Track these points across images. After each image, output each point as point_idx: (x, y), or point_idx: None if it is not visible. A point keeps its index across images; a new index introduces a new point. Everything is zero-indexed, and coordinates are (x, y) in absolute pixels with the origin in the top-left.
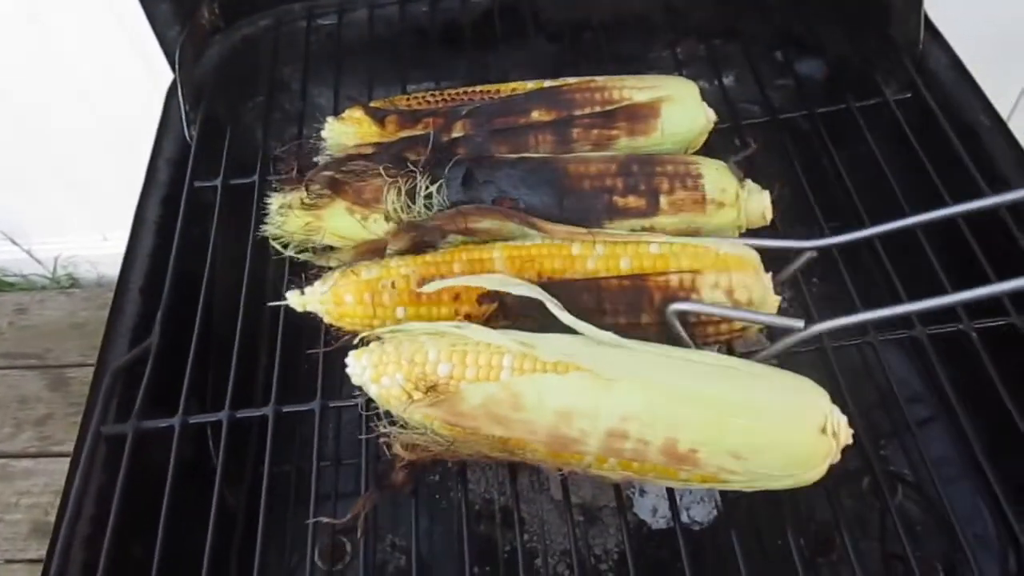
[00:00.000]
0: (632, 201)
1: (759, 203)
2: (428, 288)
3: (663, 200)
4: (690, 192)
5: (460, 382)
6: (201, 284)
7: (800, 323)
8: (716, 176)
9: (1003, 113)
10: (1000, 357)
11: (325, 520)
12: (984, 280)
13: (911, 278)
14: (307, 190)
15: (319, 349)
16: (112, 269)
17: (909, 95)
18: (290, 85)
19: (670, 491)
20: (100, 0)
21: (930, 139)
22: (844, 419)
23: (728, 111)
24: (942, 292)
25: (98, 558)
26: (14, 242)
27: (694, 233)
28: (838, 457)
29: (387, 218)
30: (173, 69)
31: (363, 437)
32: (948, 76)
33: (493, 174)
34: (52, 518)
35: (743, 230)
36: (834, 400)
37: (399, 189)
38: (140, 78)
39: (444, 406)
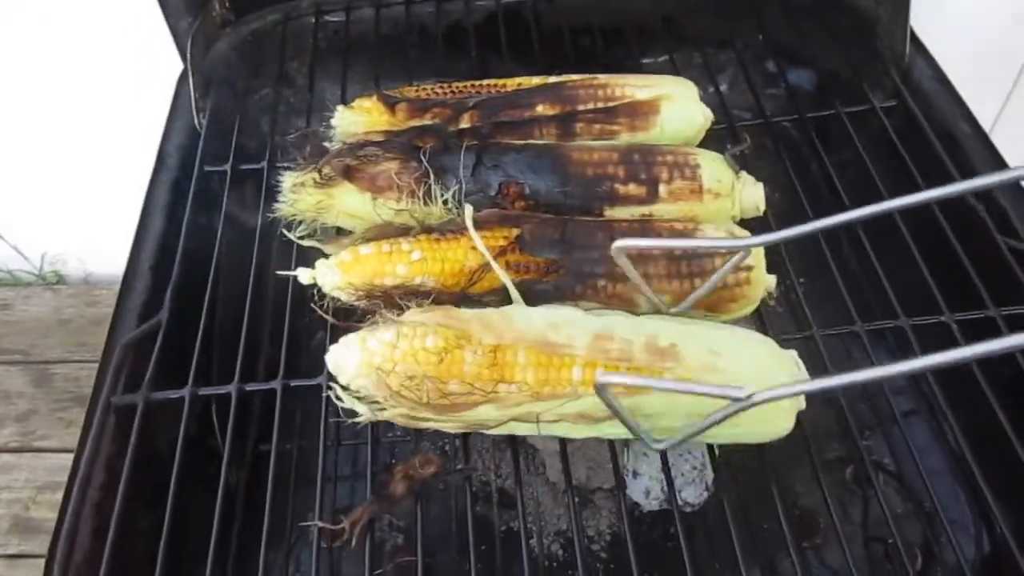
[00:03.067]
0: (633, 189)
1: (753, 194)
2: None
3: (662, 189)
4: (688, 182)
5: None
6: (210, 264)
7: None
8: (713, 167)
9: (987, 122)
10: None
11: (321, 525)
12: (960, 266)
13: (895, 273)
14: (320, 174)
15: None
16: (101, 267)
17: (895, 103)
18: (296, 80)
19: (666, 471)
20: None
21: (914, 144)
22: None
23: (723, 116)
24: (924, 284)
25: (108, 523)
26: (1, 237)
27: (691, 221)
28: (807, 376)
29: (398, 200)
30: (184, 59)
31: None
32: (931, 86)
33: (500, 159)
34: (33, 513)
35: (737, 219)
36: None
37: (414, 191)
38: (135, 81)
39: (440, 311)
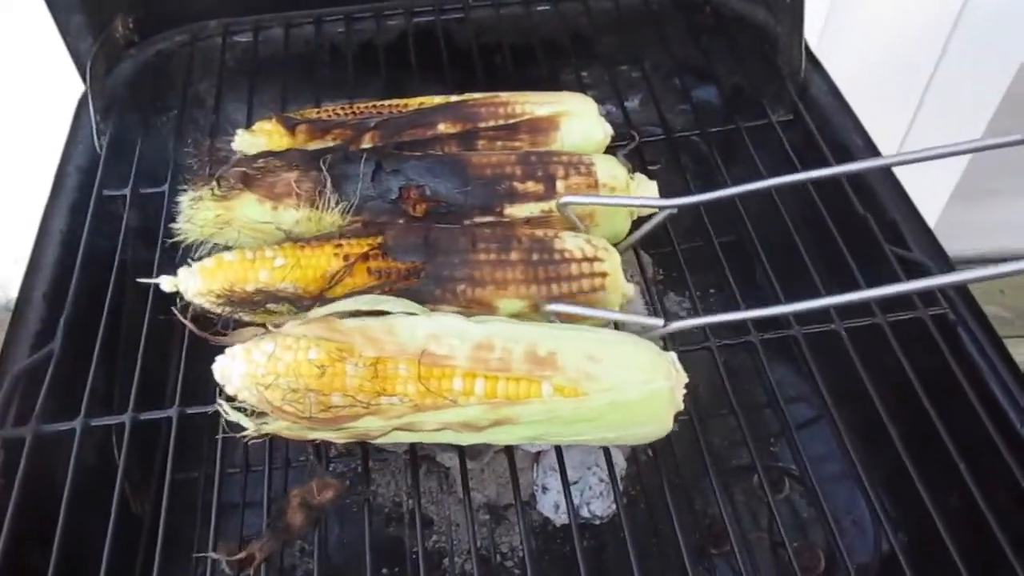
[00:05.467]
0: (531, 186)
1: (648, 191)
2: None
3: (559, 184)
4: (584, 177)
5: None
6: (107, 291)
7: (660, 322)
8: (606, 165)
9: (895, 139)
10: (867, 355)
11: (215, 557)
12: (853, 280)
13: (789, 280)
14: (219, 184)
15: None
16: None
17: (792, 118)
18: (205, 100)
19: (566, 486)
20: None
21: (809, 156)
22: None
23: (626, 133)
24: (817, 292)
25: None
26: None
27: (589, 216)
28: (685, 377)
29: (297, 208)
30: (84, 81)
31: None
32: (826, 101)
33: (400, 165)
34: None
35: (635, 216)
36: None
37: (314, 199)
38: (47, 100)
39: (321, 323)
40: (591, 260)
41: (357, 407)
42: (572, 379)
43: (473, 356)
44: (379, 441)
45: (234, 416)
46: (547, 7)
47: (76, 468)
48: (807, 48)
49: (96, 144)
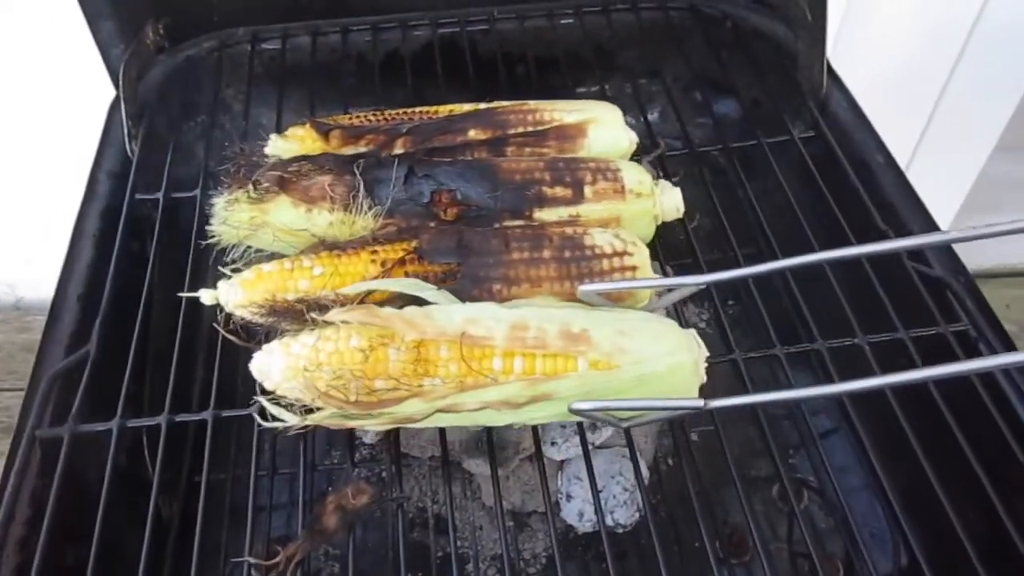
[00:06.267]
0: (560, 191)
1: (672, 197)
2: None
3: (587, 190)
4: (611, 183)
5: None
6: (140, 294)
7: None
8: (633, 171)
9: (905, 153)
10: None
11: (253, 561)
12: (872, 290)
13: (814, 297)
14: (254, 186)
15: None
16: (32, 292)
17: (813, 133)
18: (232, 106)
19: (595, 494)
20: (35, 20)
21: (830, 173)
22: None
23: (651, 145)
24: (840, 307)
25: (31, 560)
26: None
27: (616, 220)
28: (706, 352)
29: (331, 211)
30: (116, 86)
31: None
32: (847, 118)
33: (432, 170)
34: None
35: (659, 221)
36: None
37: (347, 204)
38: (66, 106)
39: (362, 310)
40: (621, 255)
41: (401, 390)
42: (606, 353)
43: (510, 336)
44: (418, 425)
45: (275, 410)
46: (571, 20)
47: (112, 469)
48: (828, 65)
49: (128, 148)
